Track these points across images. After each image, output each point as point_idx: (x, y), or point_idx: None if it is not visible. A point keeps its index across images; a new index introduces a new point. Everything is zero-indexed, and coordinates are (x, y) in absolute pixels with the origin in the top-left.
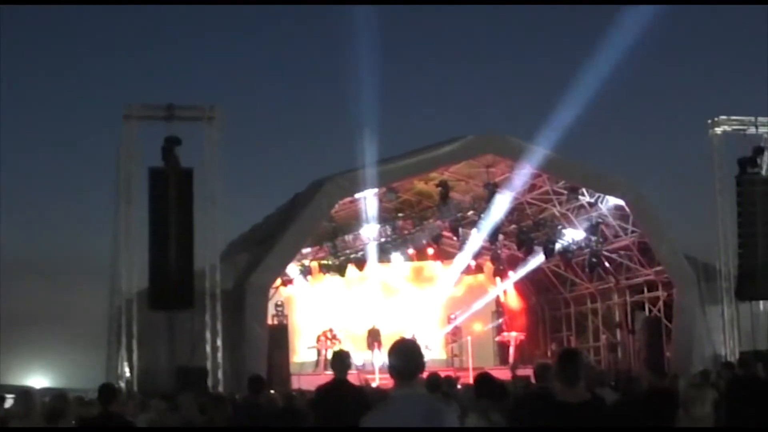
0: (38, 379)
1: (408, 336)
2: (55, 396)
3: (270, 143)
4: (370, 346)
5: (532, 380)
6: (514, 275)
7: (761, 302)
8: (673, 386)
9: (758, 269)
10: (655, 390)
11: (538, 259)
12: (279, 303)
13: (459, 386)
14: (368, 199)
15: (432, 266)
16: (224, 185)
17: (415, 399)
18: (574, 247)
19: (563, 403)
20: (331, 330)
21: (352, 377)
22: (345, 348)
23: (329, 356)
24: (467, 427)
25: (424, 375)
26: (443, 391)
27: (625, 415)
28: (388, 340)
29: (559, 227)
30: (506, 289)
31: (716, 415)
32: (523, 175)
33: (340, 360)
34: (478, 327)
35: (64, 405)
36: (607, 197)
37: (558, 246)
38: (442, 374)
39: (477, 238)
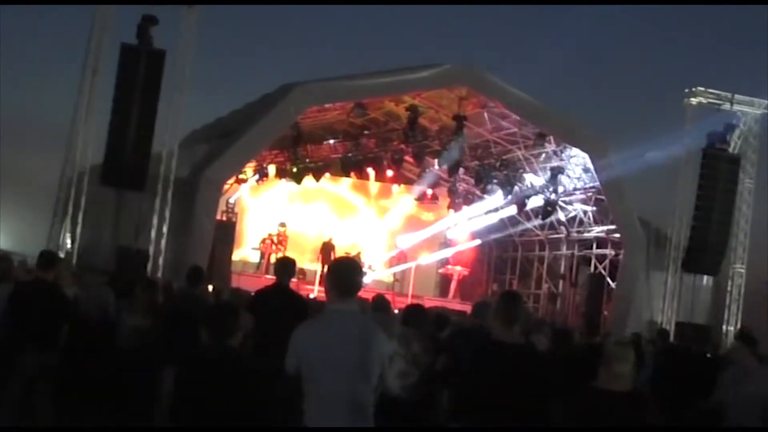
0: None
1: (354, 253)
2: (0, 257)
3: (248, 41)
4: (322, 259)
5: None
6: (468, 210)
7: (705, 277)
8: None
9: (708, 244)
10: (585, 345)
11: (494, 199)
12: (231, 200)
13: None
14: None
15: (389, 188)
16: (195, 73)
17: (350, 315)
18: (532, 192)
19: (497, 341)
20: (278, 234)
21: (292, 285)
22: (290, 255)
23: (272, 260)
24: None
25: (369, 296)
26: (387, 313)
27: (558, 364)
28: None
29: (521, 170)
30: (458, 223)
31: (636, 378)
32: (493, 112)
33: (285, 266)
34: (423, 256)
35: (8, 266)
36: (573, 149)
37: (516, 188)
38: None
39: (437, 167)
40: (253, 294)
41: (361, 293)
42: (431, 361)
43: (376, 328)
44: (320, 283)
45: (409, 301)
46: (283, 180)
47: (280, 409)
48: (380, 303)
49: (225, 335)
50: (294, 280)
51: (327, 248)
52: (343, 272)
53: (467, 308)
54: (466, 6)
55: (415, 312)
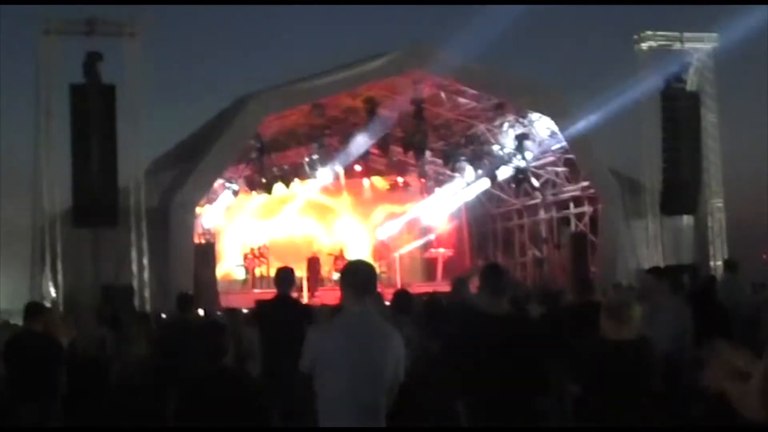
0: None
1: (336, 252)
2: None
3: (194, 58)
4: (308, 271)
5: None
6: (441, 191)
7: (684, 217)
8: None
9: (682, 184)
10: (580, 302)
11: (465, 176)
12: (206, 223)
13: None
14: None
15: (359, 183)
16: (147, 101)
17: (366, 317)
18: (501, 163)
19: (487, 314)
20: (259, 247)
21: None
22: (275, 265)
23: (257, 274)
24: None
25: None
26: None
27: (549, 325)
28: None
29: (486, 144)
30: (433, 206)
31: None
32: (449, 91)
33: (285, 275)
34: (405, 244)
35: None
36: (534, 113)
37: (485, 162)
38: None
39: (403, 154)
40: (253, 307)
41: None
42: (425, 343)
43: (391, 330)
44: (309, 290)
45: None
46: (254, 192)
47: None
48: (403, 302)
49: (217, 355)
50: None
51: (313, 263)
52: (358, 274)
53: None
54: None
55: (402, 297)
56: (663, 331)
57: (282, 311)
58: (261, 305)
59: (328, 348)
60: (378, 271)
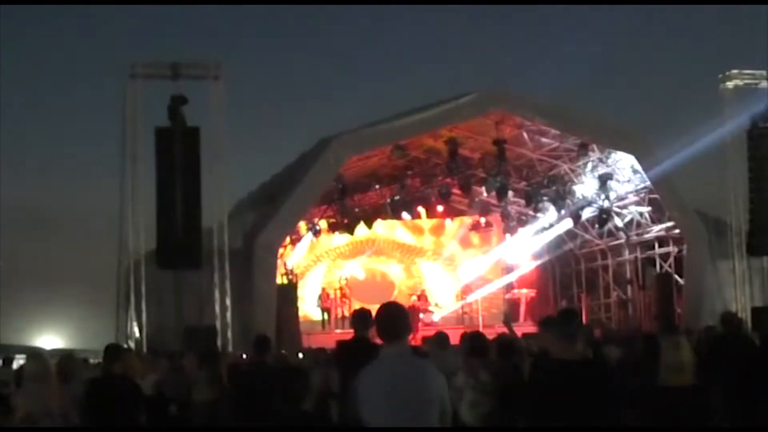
0: (47, 339)
1: (417, 293)
2: (64, 357)
3: (276, 100)
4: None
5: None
6: (524, 232)
7: None
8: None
9: None
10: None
11: (548, 216)
12: (289, 263)
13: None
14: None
15: (442, 223)
16: (231, 143)
17: (403, 357)
18: (584, 203)
19: (560, 360)
20: (341, 288)
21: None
22: (357, 305)
23: (339, 315)
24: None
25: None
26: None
27: (623, 372)
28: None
29: (569, 183)
30: (516, 246)
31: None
32: (532, 131)
33: (361, 318)
34: (487, 285)
35: (73, 366)
36: (617, 152)
37: (568, 202)
38: (453, 332)
39: (486, 195)
40: (334, 349)
41: (429, 331)
42: (503, 389)
43: (431, 368)
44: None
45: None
46: (336, 233)
47: None
48: (441, 341)
49: (296, 399)
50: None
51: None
52: (387, 318)
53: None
54: (478, 26)
55: (475, 340)
56: None
57: (358, 353)
58: (341, 348)
59: (370, 391)
60: (460, 311)
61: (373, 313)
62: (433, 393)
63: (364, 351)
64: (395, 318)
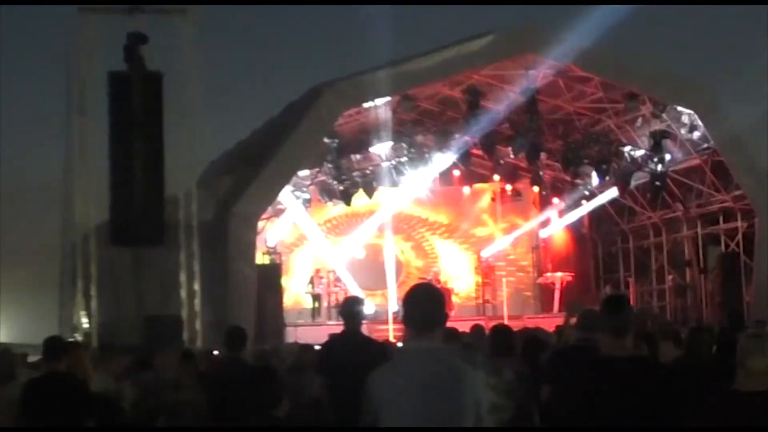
0: None
1: (429, 276)
2: None
3: (259, 41)
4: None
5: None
6: (560, 203)
7: None
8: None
9: None
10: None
11: (589, 184)
12: (270, 238)
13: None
14: (379, 110)
15: (459, 191)
16: (201, 93)
17: (431, 354)
18: (633, 167)
19: (607, 357)
20: (333, 271)
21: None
22: (351, 292)
23: (333, 302)
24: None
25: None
26: (464, 342)
27: (682, 375)
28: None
29: (615, 143)
30: (550, 220)
31: None
32: (570, 78)
33: (351, 306)
34: (515, 267)
35: (11, 364)
36: (674, 107)
37: (613, 166)
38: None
39: (513, 156)
40: (319, 348)
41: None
42: (528, 391)
43: (464, 369)
44: (395, 322)
45: (507, 323)
46: (329, 202)
47: None
48: (449, 334)
49: (267, 406)
50: (365, 321)
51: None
52: (417, 303)
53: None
54: None
55: (501, 335)
56: None
57: (351, 354)
58: (326, 348)
59: (391, 395)
60: (479, 297)
61: (366, 301)
62: (469, 399)
63: (355, 350)
64: (429, 304)
